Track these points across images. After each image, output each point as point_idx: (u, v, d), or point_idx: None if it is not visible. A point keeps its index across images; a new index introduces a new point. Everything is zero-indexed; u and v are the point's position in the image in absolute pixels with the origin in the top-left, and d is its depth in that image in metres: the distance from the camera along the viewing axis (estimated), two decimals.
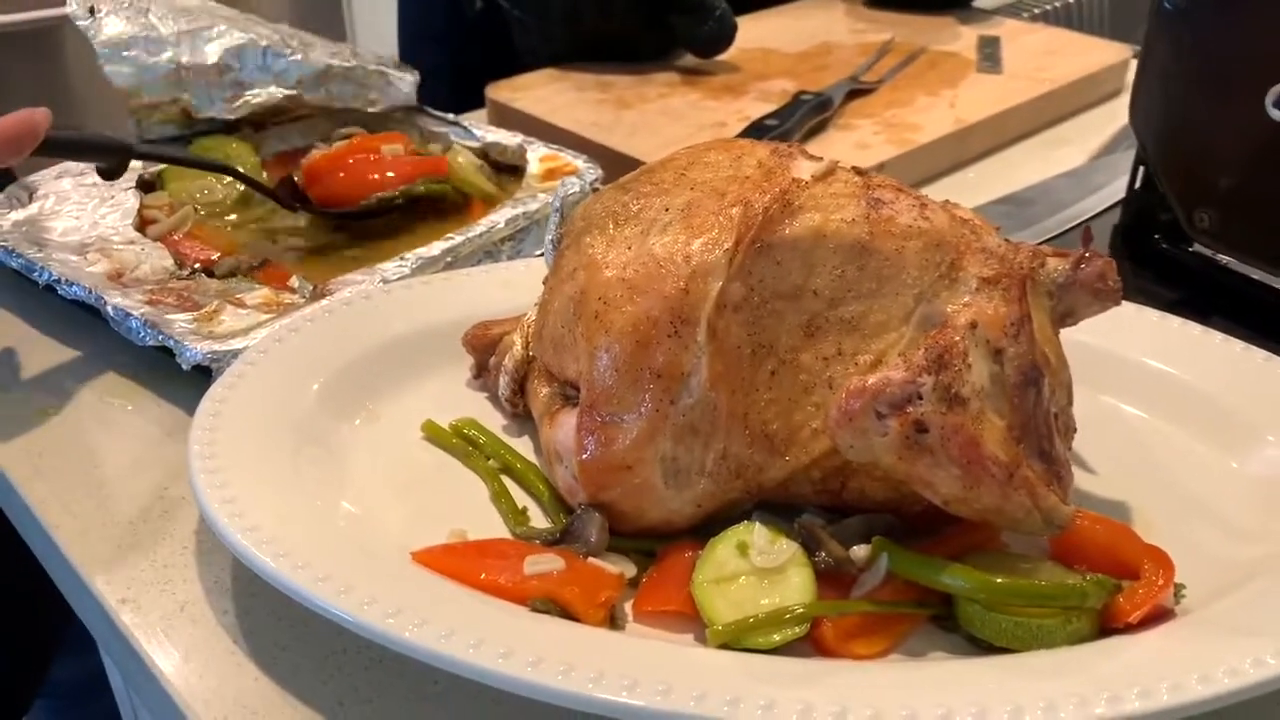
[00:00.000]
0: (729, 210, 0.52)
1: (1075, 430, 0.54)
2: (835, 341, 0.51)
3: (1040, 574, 0.50)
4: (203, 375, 0.66)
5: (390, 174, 0.84)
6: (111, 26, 0.87)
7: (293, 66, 0.91)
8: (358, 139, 0.88)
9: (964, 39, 1.22)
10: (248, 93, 0.91)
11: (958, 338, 0.49)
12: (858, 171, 0.56)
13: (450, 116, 0.97)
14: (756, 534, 0.51)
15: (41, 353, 0.72)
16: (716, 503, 0.52)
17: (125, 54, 0.87)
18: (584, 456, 0.52)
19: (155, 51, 0.88)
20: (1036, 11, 1.47)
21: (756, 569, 0.49)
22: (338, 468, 0.58)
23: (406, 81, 0.95)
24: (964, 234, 0.53)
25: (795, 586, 0.49)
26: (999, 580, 0.48)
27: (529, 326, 0.63)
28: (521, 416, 0.63)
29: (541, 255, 0.84)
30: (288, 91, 0.91)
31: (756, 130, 0.91)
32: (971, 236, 0.53)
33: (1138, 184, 0.80)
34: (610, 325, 0.51)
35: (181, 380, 0.67)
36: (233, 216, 0.86)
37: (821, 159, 0.56)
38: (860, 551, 0.51)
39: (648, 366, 0.50)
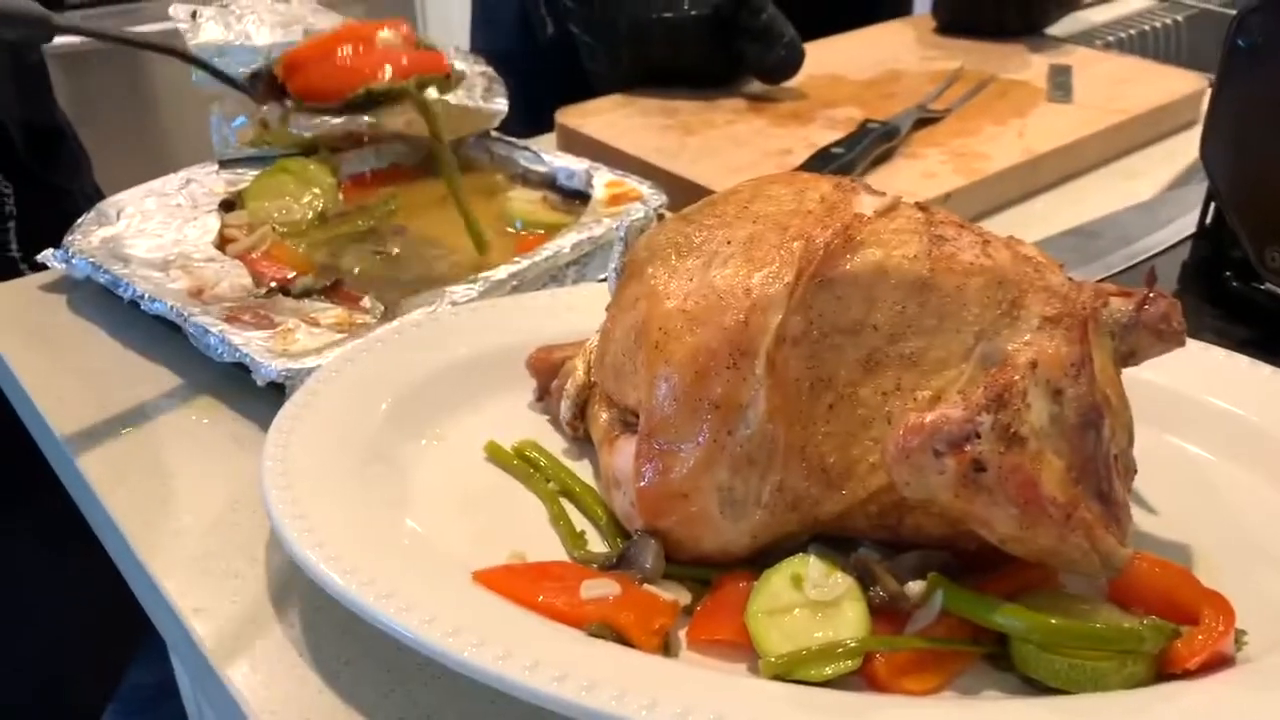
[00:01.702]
0: (790, 244, 0.53)
1: (1136, 472, 0.54)
2: (894, 377, 0.52)
3: (1097, 616, 0.50)
4: (277, 392, 0.68)
5: (385, 68, 0.75)
6: (208, 32, 0.91)
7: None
8: (346, 27, 0.81)
9: (1035, 67, 1.21)
10: (326, 113, 0.93)
11: (1017, 377, 0.49)
12: (921, 207, 0.56)
13: (519, 142, 0.99)
14: (811, 566, 0.51)
15: (125, 366, 0.75)
16: (772, 534, 0.53)
17: (214, 60, 0.91)
18: (642, 483, 0.53)
19: (245, 61, 0.91)
20: (1110, 39, 1.46)
21: (810, 601, 0.50)
22: (404, 486, 0.59)
23: (492, 115, 0.97)
24: (1026, 272, 0.53)
25: (849, 620, 0.49)
26: (1054, 621, 0.47)
27: (591, 352, 0.64)
28: (582, 440, 0.64)
29: (604, 280, 0.86)
30: (369, 120, 0.94)
31: (822, 158, 0.91)
32: (1034, 274, 0.53)
33: (1208, 220, 0.79)
34: (670, 355, 0.52)
35: (256, 396, 0.69)
36: (309, 237, 0.88)
37: (884, 194, 0.57)
38: (915, 587, 0.51)
39: (706, 397, 0.51)
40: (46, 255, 0.82)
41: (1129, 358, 0.54)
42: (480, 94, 0.99)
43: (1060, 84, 1.15)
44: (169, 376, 0.74)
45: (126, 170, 1.13)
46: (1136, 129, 1.10)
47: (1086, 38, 1.45)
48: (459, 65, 0.99)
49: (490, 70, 1.01)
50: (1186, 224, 0.91)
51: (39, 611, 1.14)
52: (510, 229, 0.92)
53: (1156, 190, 1.02)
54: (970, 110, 1.09)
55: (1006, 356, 0.51)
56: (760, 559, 0.54)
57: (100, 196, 1.24)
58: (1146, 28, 1.50)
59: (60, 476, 0.71)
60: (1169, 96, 1.13)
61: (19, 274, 1.11)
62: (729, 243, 0.55)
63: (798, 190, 0.57)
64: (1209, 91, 1.17)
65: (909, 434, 0.48)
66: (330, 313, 0.74)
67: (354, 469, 0.58)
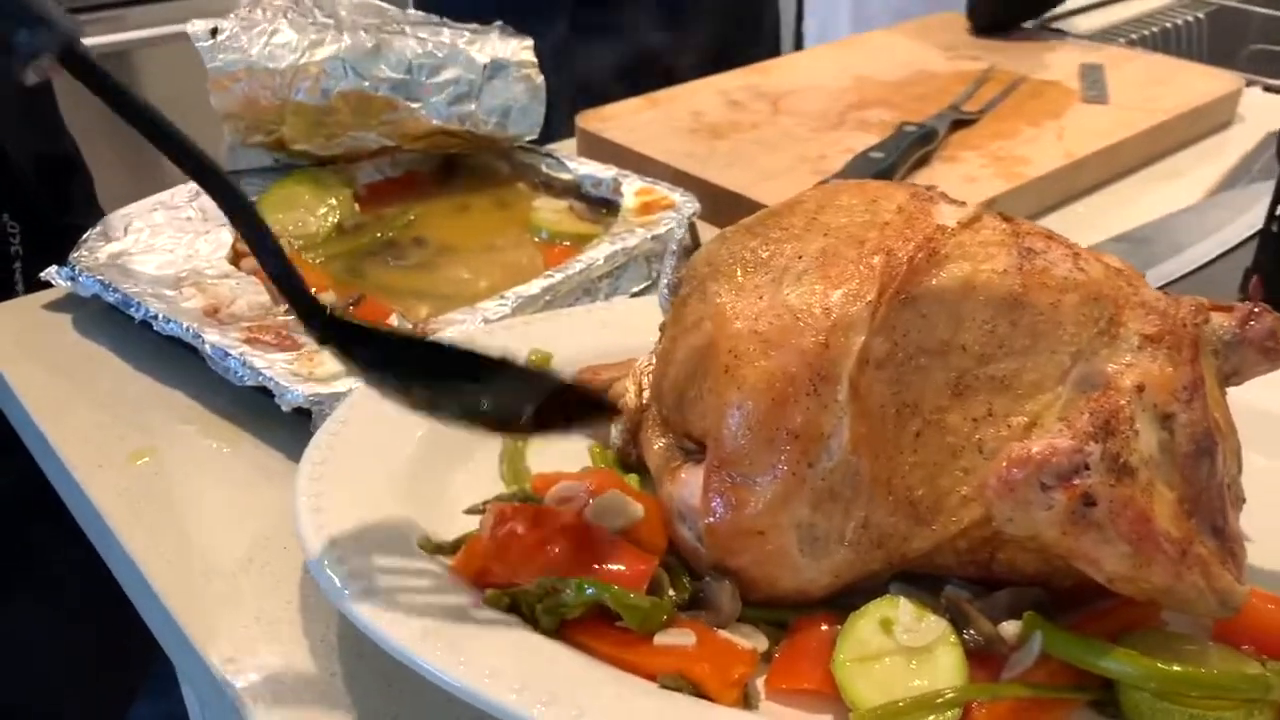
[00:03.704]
0: (870, 259, 0.49)
1: (1244, 500, 0.50)
2: (985, 401, 0.48)
3: (1210, 659, 0.46)
4: (302, 417, 0.64)
5: None
6: (229, 52, 0.86)
7: (404, 123, 0.88)
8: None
9: (1063, 66, 1.17)
10: (348, 134, 0.89)
11: (1124, 401, 0.45)
12: (1004, 217, 0.52)
13: (541, 149, 0.95)
14: (901, 609, 0.47)
15: (137, 391, 0.71)
16: (855, 573, 0.49)
17: (233, 84, 0.86)
18: (711, 519, 0.49)
19: (265, 84, 0.86)
20: (1134, 37, 1.42)
21: (902, 647, 0.46)
22: (450, 522, 0.55)
23: (516, 140, 0.93)
24: (1120, 286, 0.50)
25: (944, 667, 0.46)
26: (1175, 668, 0.44)
27: (642, 373, 0.60)
28: (633, 467, 0.60)
29: (638, 294, 0.82)
30: (387, 143, 0.89)
31: (862, 163, 0.88)
32: (1129, 289, 0.50)
33: (1276, 224, 0.76)
34: (743, 381, 0.48)
35: (279, 421, 0.65)
36: (326, 250, 0.84)
37: (963, 203, 0.53)
38: (1010, 628, 0.47)
39: (784, 426, 0.47)
40: (50, 272, 0.77)
41: (1231, 377, 0.51)
42: (515, 115, 0.93)
43: (1094, 83, 1.11)
44: (185, 402, 0.69)
45: (126, 186, 1.08)
46: (1175, 130, 1.06)
47: (1108, 35, 1.42)
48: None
49: (533, 69, 0.93)
50: (1240, 228, 0.88)
51: (37, 647, 1.10)
52: (535, 239, 0.88)
53: (1200, 193, 0.99)
54: (1004, 111, 1.05)
55: (1108, 379, 0.47)
56: (838, 597, 0.50)
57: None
58: (1169, 25, 1.47)
59: (72, 510, 0.66)
60: (1206, 97, 1.09)
61: None
62: (800, 257, 0.51)
63: (870, 200, 0.53)
64: (1247, 91, 1.14)
65: (1013, 466, 0.44)
66: None
67: (395, 504, 0.54)
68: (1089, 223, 0.93)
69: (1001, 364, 0.48)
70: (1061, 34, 1.35)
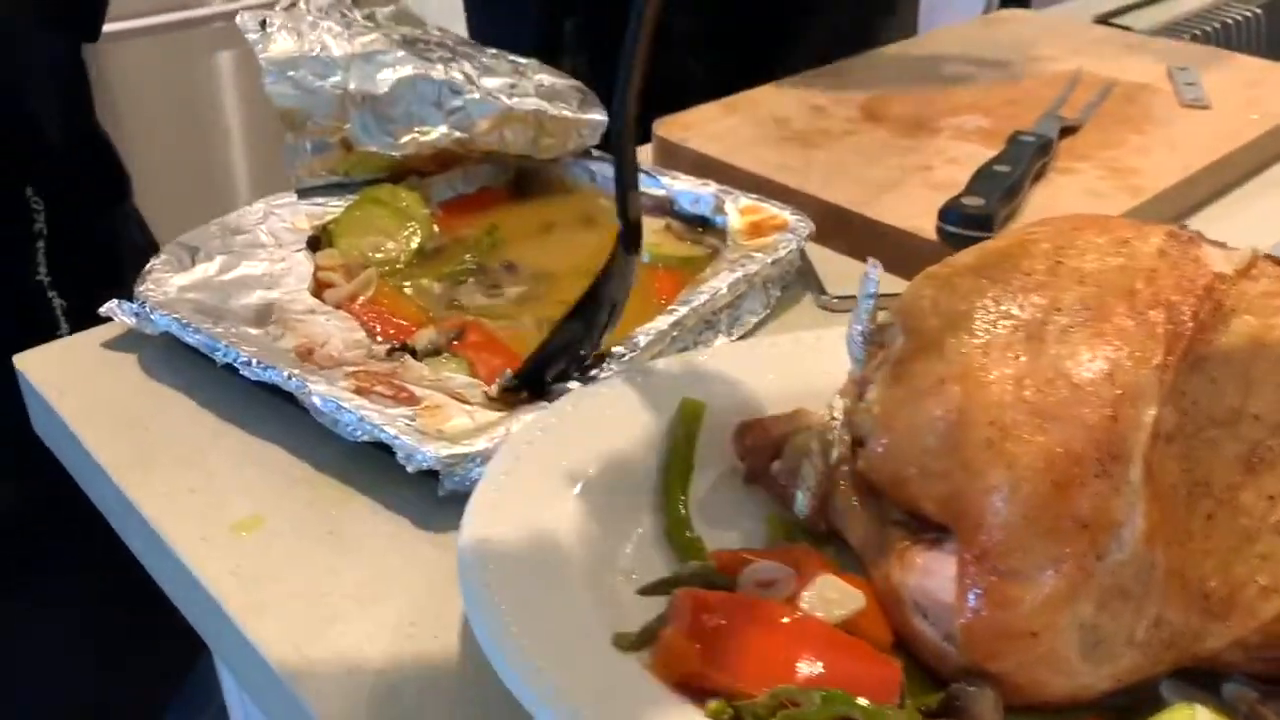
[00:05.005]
0: (1147, 314, 0.43)
1: None
2: None
3: None
4: (423, 477, 0.57)
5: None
6: (281, 43, 0.79)
7: (470, 106, 0.81)
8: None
9: (1149, 68, 1.12)
10: (417, 128, 0.82)
11: None
12: (1275, 261, 0.46)
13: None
14: (1200, 719, 0.41)
15: (227, 446, 0.63)
16: (1139, 677, 0.42)
17: (291, 74, 0.79)
18: (968, 618, 0.43)
19: (322, 74, 0.79)
20: (1196, 33, 1.38)
21: None
22: (626, 607, 0.48)
23: (591, 128, 0.86)
24: None
25: None
26: None
27: (828, 429, 0.53)
28: (823, 539, 0.53)
29: (758, 325, 0.75)
30: (460, 134, 0.82)
31: (988, 178, 0.81)
32: None
33: None
34: (1013, 460, 0.42)
35: (399, 481, 0.58)
36: (408, 275, 0.77)
37: (1224, 244, 0.47)
38: None
39: (1069, 514, 0.41)
40: (111, 307, 0.69)
41: None
42: (577, 105, 0.88)
43: (1189, 86, 1.06)
44: (285, 459, 0.62)
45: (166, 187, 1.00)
46: (1276, 136, 1.01)
47: (1170, 31, 1.37)
48: (543, 78, 0.87)
49: (569, 78, 0.89)
50: None
51: (53, 655, 1.03)
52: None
53: None
54: (1104, 118, 1.00)
55: None
56: (1102, 699, 0.44)
57: (140, 222, 1.10)
58: (1229, 20, 1.42)
59: (169, 591, 0.59)
60: None
61: (47, 302, 0.98)
62: (1058, 310, 0.44)
63: (1119, 240, 0.47)
64: None
65: None
66: (475, 384, 0.63)
67: (571, 592, 0.47)
68: None
69: None
70: (1126, 29, 1.30)
